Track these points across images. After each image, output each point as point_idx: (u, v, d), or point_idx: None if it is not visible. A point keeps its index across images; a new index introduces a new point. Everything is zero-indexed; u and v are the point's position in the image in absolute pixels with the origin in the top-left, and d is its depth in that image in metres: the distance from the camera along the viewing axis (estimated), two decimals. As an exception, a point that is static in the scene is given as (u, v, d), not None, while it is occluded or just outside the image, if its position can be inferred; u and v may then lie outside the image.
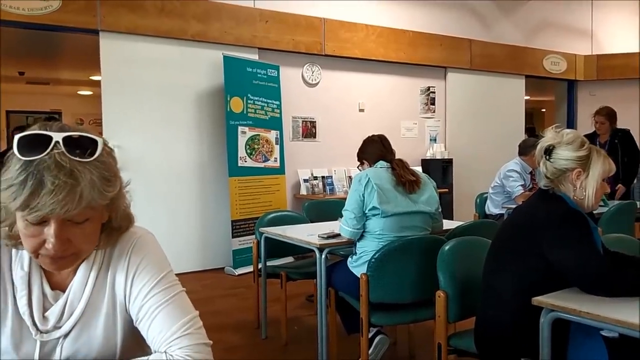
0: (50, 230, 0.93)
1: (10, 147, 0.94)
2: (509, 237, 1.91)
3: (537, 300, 1.63)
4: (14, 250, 1.07)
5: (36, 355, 1.05)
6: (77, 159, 0.92)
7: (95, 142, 0.96)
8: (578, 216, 1.78)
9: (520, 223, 1.89)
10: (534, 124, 12.93)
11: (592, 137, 5.06)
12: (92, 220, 0.98)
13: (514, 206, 4.10)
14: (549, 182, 1.90)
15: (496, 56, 7.54)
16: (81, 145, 0.94)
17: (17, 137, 0.91)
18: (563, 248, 1.72)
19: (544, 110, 14.19)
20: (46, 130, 0.93)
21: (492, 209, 4.66)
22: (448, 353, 2.13)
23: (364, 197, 2.60)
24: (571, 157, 1.84)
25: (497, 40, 7.58)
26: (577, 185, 1.85)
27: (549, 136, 1.90)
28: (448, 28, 7.11)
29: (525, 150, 4.57)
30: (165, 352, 1.02)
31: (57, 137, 0.92)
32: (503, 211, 4.46)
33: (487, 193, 4.81)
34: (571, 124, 8.35)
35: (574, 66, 8.33)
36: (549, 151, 1.88)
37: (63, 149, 0.91)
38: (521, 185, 4.44)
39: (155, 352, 1.04)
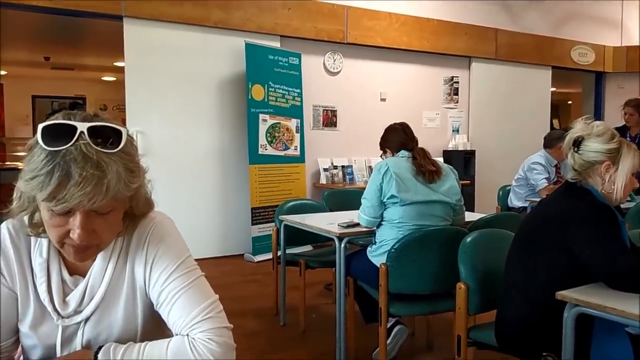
0: (75, 221, 0.93)
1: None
2: (533, 230, 1.88)
3: (561, 294, 1.60)
4: (32, 238, 1.07)
5: (58, 340, 1.06)
6: (103, 150, 0.91)
7: (119, 133, 0.95)
8: (606, 210, 1.74)
9: (546, 216, 1.86)
10: (559, 116, 12.70)
11: (622, 131, 4.93)
12: (115, 211, 0.99)
13: (537, 199, 4.04)
14: (577, 175, 1.85)
15: (522, 46, 7.38)
16: (105, 135, 0.93)
17: (40, 126, 0.91)
18: (590, 243, 1.68)
19: (570, 102, 13.90)
20: (70, 119, 0.93)
21: (515, 201, 4.60)
22: (467, 345, 2.10)
23: (382, 186, 2.59)
24: (600, 150, 1.80)
25: (524, 30, 7.42)
26: (605, 179, 1.80)
27: (578, 127, 1.86)
28: (473, 17, 6.98)
29: (550, 142, 4.49)
30: (187, 335, 1.03)
31: (82, 127, 0.91)
32: (526, 204, 4.39)
33: (510, 186, 4.75)
34: (598, 117, 8.16)
35: (602, 57, 8.13)
36: (577, 143, 1.83)
37: (88, 139, 0.91)
38: (545, 178, 4.36)
39: (176, 335, 1.05)
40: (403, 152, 2.73)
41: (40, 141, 0.90)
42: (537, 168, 4.40)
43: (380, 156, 2.96)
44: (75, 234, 0.94)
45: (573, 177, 1.87)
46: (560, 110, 13.63)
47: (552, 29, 7.71)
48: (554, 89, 8.26)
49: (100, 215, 0.96)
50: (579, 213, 1.75)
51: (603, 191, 1.81)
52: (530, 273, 1.83)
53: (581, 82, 9.04)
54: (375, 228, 2.70)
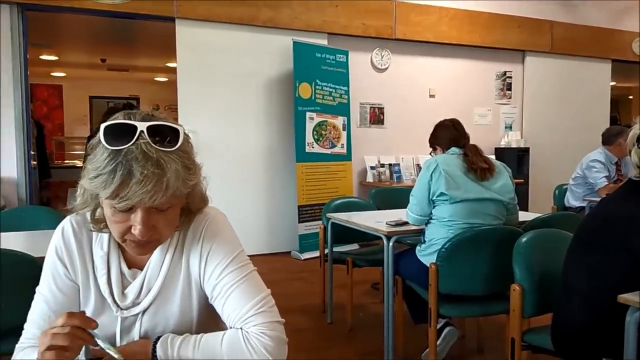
0: (136, 218, 0.97)
1: (96, 132, 0.97)
2: (594, 230, 1.79)
3: (623, 298, 1.53)
4: (94, 232, 1.12)
5: (118, 330, 1.11)
6: (162, 149, 0.94)
7: (176, 131, 0.99)
8: (674, 210, 1.63)
9: (608, 216, 1.76)
10: (619, 112, 12.11)
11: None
12: (174, 207, 1.03)
13: (596, 199, 3.87)
14: (641, 173, 1.74)
15: (580, 39, 7.08)
16: (163, 134, 0.97)
17: (103, 126, 0.95)
18: (656, 244, 1.58)
19: (631, 97, 13.21)
20: (130, 119, 0.97)
21: (572, 201, 4.41)
22: (522, 349, 2.03)
23: (430, 184, 2.54)
24: None
25: (581, 22, 7.11)
26: (670, 177, 1.69)
27: None
28: (527, 9, 6.75)
29: (609, 139, 4.28)
30: (241, 328, 1.05)
31: (142, 126, 0.95)
32: (584, 204, 4.21)
33: (566, 184, 4.56)
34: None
35: (667, 49, 7.68)
36: None
37: (148, 138, 0.94)
38: (605, 176, 4.16)
39: (230, 328, 1.07)
40: (454, 149, 2.65)
41: (102, 140, 0.94)
42: (597, 166, 4.21)
43: (430, 154, 2.90)
44: (136, 230, 0.98)
45: (637, 176, 1.77)
46: (620, 105, 12.98)
47: (611, 20, 7.34)
48: (613, 84, 7.86)
49: (159, 211, 0.99)
50: (643, 212, 1.65)
51: (668, 190, 1.70)
52: (590, 275, 1.75)
53: (644, 76, 8.59)
54: (424, 226, 2.65)
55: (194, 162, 1.02)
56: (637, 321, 1.52)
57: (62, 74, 10.21)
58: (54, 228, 1.16)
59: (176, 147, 0.97)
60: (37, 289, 1.13)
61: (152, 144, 0.94)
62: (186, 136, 1.02)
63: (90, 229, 1.11)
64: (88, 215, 1.10)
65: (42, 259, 1.15)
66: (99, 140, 0.94)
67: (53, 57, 8.71)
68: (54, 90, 10.62)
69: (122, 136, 0.93)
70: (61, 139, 9.99)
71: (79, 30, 7.02)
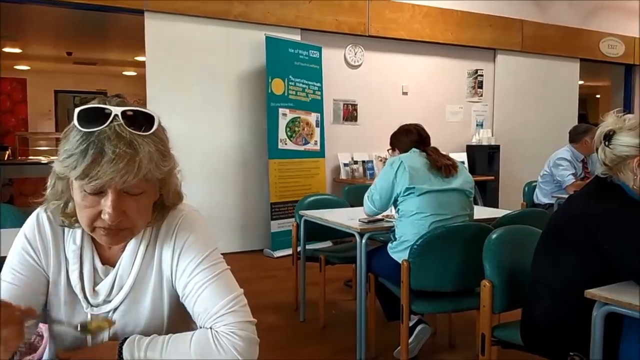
0: (107, 201, 0.95)
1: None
2: (562, 227, 1.81)
3: (590, 293, 1.56)
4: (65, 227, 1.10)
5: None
6: (136, 132, 0.94)
7: (151, 118, 0.99)
8: (637, 206, 1.68)
9: (575, 213, 1.79)
10: (587, 110, 12.41)
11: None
12: (146, 194, 1.01)
13: (564, 196, 3.94)
14: (607, 170, 1.77)
15: (549, 38, 7.21)
16: (138, 120, 0.97)
17: (77, 110, 0.95)
18: (621, 240, 1.62)
19: (598, 96, 13.57)
20: (105, 104, 0.97)
21: (541, 198, 4.49)
22: (492, 344, 2.06)
23: (394, 182, 2.57)
24: (633, 144, 1.71)
25: (551, 21, 7.24)
26: (637, 174, 1.72)
27: (609, 121, 1.78)
28: (499, 8, 6.84)
29: (576, 137, 4.37)
30: (210, 328, 1.03)
31: (116, 110, 0.95)
32: (553, 201, 4.29)
33: (535, 181, 4.65)
34: (628, 111, 7.93)
35: (632, 50, 7.92)
36: (609, 137, 1.75)
37: (122, 121, 0.94)
38: (572, 174, 4.25)
39: (200, 327, 1.06)
40: (415, 150, 2.70)
41: (76, 123, 0.93)
42: (563, 164, 4.29)
43: (387, 150, 2.93)
44: (106, 214, 0.95)
45: (603, 173, 1.80)
46: (588, 104, 13.32)
47: (580, 20, 7.51)
48: (582, 82, 8.05)
49: (131, 197, 0.98)
50: (610, 210, 1.69)
51: (634, 187, 1.73)
52: (558, 271, 1.78)
53: (610, 75, 8.83)
54: (394, 224, 2.67)
55: (168, 150, 1.02)
56: (604, 316, 1.55)
57: (26, 67, 9.92)
58: (18, 226, 1.12)
59: (150, 132, 0.97)
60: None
61: (126, 127, 0.93)
62: (162, 126, 1.02)
63: (61, 224, 1.07)
64: (59, 210, 1.06)
65: (4, 258, 1.09)
66: (73, 125, 0.94)
67: (17, 50, 8.46)
68: (18, 84, 10.28)
69: (95, 119, 0.93)
70: (25, 135, 9.67)
71: (44, 22, 6.82)
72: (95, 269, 1.09)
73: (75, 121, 0.94)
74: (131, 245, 1.09)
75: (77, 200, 0.98)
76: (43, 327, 1.14)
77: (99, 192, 0.95)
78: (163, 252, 1.10)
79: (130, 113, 0.96)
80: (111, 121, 0.93)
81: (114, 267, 1.09)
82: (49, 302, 1.09)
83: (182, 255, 1.09)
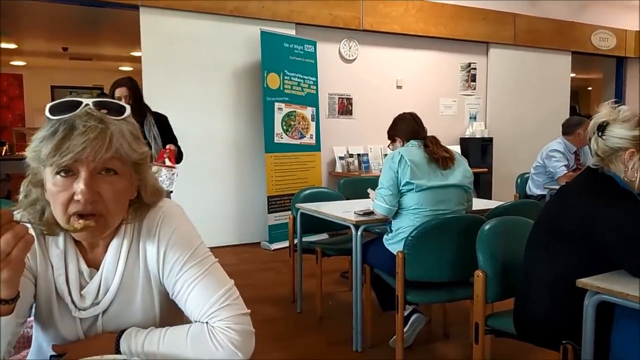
0: (79, 181, 0.93)
1: None
2: (553, 217, 1.84)
3: (582, 282, 1.58)
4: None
5: (79, 331, 1.06)
6: (107, 115, 0.97)
7: (123, 107, 1.01)
8: (629, 197, 1.70)
9: (567, 203, 1.82)
10: (579, 102, 12.46)
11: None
12: (121, 178, 0.99)
13: (556, 187, 3.98)
14: (599, 161, 1.80)
15: (542, 31, 7.25)
16: (109, 107, 0.99)
17: (49, 105, 0.95)
18: (611, 228, 1.64)
19: (590, 88, 13.63)
20: (77, 97, 0.98)
21: (533, 189, 4.55)
22: (485, 333, 2.09)
23: (397, 173, 2.58)
24: (625, 136, 1.73)
25: (543, 15, 7.28)
26: (628, 166, 1.73)
27: (604, 112, 1.79)
28: (491, 2, 6.86)
29: (569, 129, 4.41)
30: (206, 323, 1.03)
31: (88, 100, 0.97)
32: (545, 192, 4.34)
33: (528, 173, 4.69)
34: (619, 102, 7.98)
35: (623, 42, 7.95)
36: (602, 128, 1.77)
37: (93, 107, 0.96)
38: (564, 165, 4.30)
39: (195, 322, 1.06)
40: (413, 142, 2.72)
41: (47, 114, 0.94)
42: (556, 155, 4.34)
43: (388, 146, 2.95)
44: (79, 195, 0.93)
45: (595, 164, 1.82)
46: (580, 96, 13.37)
47: (572, 14, 7.54)
48: (573, 75, 8.10)
49: (105, 179, 0.96)
50: (601, 200, 1.70)
51: (625, 178, 1.75)
52: (550, 261, 1.80)
53: (602, 68, 8.87)
54: (390, 217, 2.70)
55: (140, 137, 1.03)
56: (595, 305, 1.56)
57: (22, 63, 9.86)
58: None
59: (121, 117, 0.98)
60: None
61: (97, 110, 0.95)
62: (134, 120, 1.03)
63: (40, 232, 1.03)
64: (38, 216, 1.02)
65: None
66: (45, 118, 0.95)
67: (12, 46, 8.42)
68: (14, 79, 10.24)
69: (67, 110, 0.94)
70: (22, 130, 9.63)
71: (40, 18, 6.78)
72: (80, 272, 1.06)
73: (47, 113, 0.94)
74: (113, 245, 1.06)
75: (50, 190, 0.95)
76: (31, 320, 1.12)
77: (72, 174, 0.94)
78: (147, 250, 1.08)
79: (102, 102, 0.98)
80: (82, 108, 0.95)
81: (98, 269, 1.07)
82: (37, 307, 1.07)
83: (167, 253, 1.07)
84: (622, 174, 1.75)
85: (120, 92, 3.36)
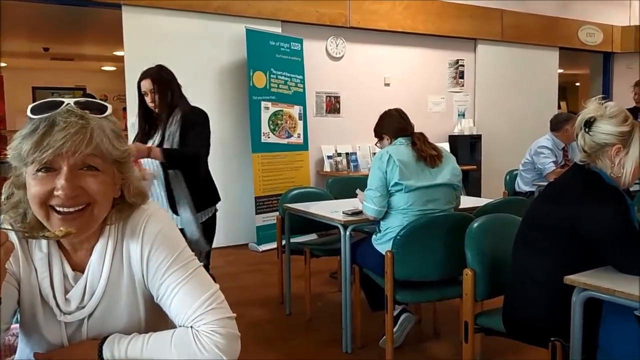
0: (60, 179, 0.93)
1: None
2: (541, 213, 1.84)
3: (570, 279, 1.59)
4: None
5: (64, 336, 1.05)
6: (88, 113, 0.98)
7: (104, 107, 1.01)
8: (615, 192, 1.71)
9: (554, 199, 1.81)
10: (567, 98, 12.56)
11: (632, 112, 4.82)
12: (104, 174, 0.98)
13: (544, 183, 3.98)
14: (586, 157, 1.80)
15: (529, 27, 7.26)
16: (91, 106, 1.00)
17: (30, 105, 0.96)
18: (598, 224, 1.65)
19: (578, 84, 13.73)
20: (60, 97, 0.99)
21: (522, 186, 4.54)
22: (475, 332, 2.08)
23: (386, 174, 2.55)
24: (612, 132, 1.73)
25: (530, 11, 7.29)
26: (615, 162, 1.75)
27: (591, 108, 1.79)
28: (478, -2, 6.87)
29: (557, 125, 4.41)
30: (191, 327, 1.02)
31: (69, 100, 0.98)
32: (534, 188, 4.34)
33: (517, 170, 4.69)
34: (606, 98, 8.04)
35: (610, 38, 8.00)
36: (589, 123, 1.77)
37: (74, 105, 0.97)
38: (553, 162, 4.29)
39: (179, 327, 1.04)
40: (401, 140, 2.68)
41: (29, 114, 0.95)
42: (544, 152, 4.33)
43: (376, 144, 2.92)
44: (59, 190, 0.93)
45: (582, 160, 1.82)
46: (567, 92, 13.47)
47: (559, 9, 7.57)
48: (561, 71, 8.14)
49: (86, 173, 0.96)
50: (588, 195, 1.71)
51: (612, 174, 1.76)
52: (538, 257, 1.80)
53: (589, 63, 8.92)
54: (380, 218, 2.67)
55: (122, 135, 1.03)
56: (583, 301, 1.57)
57: (2, 64, 9.72)
58: None
59: (103, 115, 0.99)
60: None
61: (78, 108, 0.96)
62: (116, 120, 1.04)
63: (22, 236, 1.03)
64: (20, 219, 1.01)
65: None
66: (27, 117, 0.95)
67: (-9, 46, 8.29)
68: (-6, 81, 10.10)
69: (49, 109, 0.95)
70: (4, 133, 9.49)
71: (20, 18, 6.66)
72: (65, 276, 1.05)
73: (28, 113, 0.95)
74: (98, 248, 1.06)
75: (30, 186, 0.95)
76: (16, 328, 1.11)
77: (53, 171, 0.93)
78: (131, 251, 1.07)
79: (83, 102, 0.99)
80: (64, 107, 0.96)
81: (83, 272, 1.06)
82: (22, 312, 1.05)
83: (150, 258, 1.06)
84: (609, 170, 1.76)
85: (145, 85, 3.05)
